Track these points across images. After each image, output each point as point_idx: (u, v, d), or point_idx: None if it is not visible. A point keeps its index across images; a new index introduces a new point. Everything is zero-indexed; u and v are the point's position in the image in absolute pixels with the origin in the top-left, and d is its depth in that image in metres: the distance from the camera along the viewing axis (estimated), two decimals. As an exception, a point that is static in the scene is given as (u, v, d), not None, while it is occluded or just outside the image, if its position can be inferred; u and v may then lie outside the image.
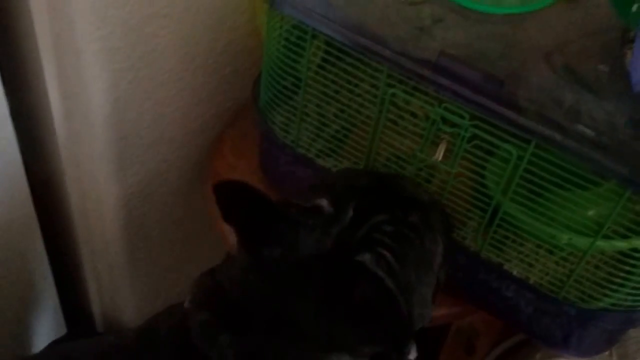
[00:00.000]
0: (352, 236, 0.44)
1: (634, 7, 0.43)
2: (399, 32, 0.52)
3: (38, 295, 0.77)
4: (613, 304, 0.53)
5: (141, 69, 0.62)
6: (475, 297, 0.60)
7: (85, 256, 0.79)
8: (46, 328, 0.81)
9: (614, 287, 0.52)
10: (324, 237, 0.44)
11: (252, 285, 0.46)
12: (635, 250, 0.51)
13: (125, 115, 0.63)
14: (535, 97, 0.48)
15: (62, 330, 0.83)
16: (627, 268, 0.51)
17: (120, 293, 0.79)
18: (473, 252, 0.57)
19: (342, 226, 0.45)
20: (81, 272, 0.82)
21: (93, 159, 0.66)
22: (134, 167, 0.67)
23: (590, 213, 0.53)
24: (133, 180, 0.68)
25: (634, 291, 0.52)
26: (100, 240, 0.74)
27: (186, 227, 0.80)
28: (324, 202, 0.45)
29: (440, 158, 0.54)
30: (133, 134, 0.65)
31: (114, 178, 0.67)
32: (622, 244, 0.51)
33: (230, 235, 0.56)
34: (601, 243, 0.51)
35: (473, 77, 0.49)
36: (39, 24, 0.60)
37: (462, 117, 0.50)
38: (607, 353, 0.68)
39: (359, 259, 0.43)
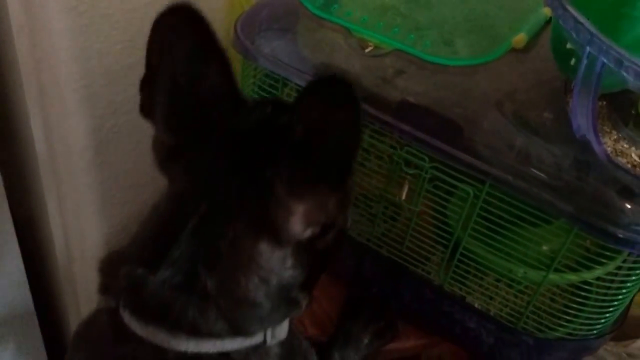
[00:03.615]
0: (274, 122, 0.42)
1: (572, 61, 0.47)
2: (363, 82, 0.56)
3: (21, 330, 0.78)
4: (569, 334, 0.57)
5: (122, 115, 0.65)
6: (440, 329, 0.63)
7: (66, 294, 0.80)
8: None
9: (569, 317, 0.55)
10: (245, 119, 0.42)
11: (175, 190, 0.42)
12: (586, 283, 0.55)
13: (106, 158, 0.66)
14: (488, 142, 0.52)
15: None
16: (580, 300, 0.54)
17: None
18: (437, 285, 0.60)
19: (263, 115, 0.43)
20: (63, 309, 0.83)
21: (75, 200, 0.68)
22: (116, 208, 0.70)
23: (544, 248, 0.56)
24: (114, 221, 0.70)
25: (587, 321, 0.55)
26: (82, 280, 0.76)
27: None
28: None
29: (403, 198, 0.58)
30: (114, 176, 0.68)
31: (96, 218, 0.69)
32: (573, 277, 0.55)
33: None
34: (554, 276, 0.55)
35: (431, 123, 0.53)
36: (25, 75, 0.63)
37: (422, 159, 0.54)
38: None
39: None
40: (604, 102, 0.53)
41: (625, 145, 0.49)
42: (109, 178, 0.67)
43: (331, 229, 0.41)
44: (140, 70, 0.66)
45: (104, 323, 0.42)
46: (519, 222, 0.53)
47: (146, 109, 0.43)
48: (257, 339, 0.41)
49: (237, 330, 0.40)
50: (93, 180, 0.66)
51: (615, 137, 0.50)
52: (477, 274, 0.58)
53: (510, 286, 0.59)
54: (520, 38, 0.57)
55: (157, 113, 0.43)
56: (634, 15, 0.41)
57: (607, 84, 0.47)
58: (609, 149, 0.49)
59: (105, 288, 0.43)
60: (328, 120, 0.34)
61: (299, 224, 0.39)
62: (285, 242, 0.40)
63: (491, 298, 0.59)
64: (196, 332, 0.39)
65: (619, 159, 0.48)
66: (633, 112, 0.51)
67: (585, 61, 0.41)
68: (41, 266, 0.80)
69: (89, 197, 0.68)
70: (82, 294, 0.79)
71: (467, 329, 0.59)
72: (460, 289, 0.60)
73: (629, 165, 0.48)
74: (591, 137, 0.47)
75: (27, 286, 0.74)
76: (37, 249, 0.78)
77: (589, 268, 0.54)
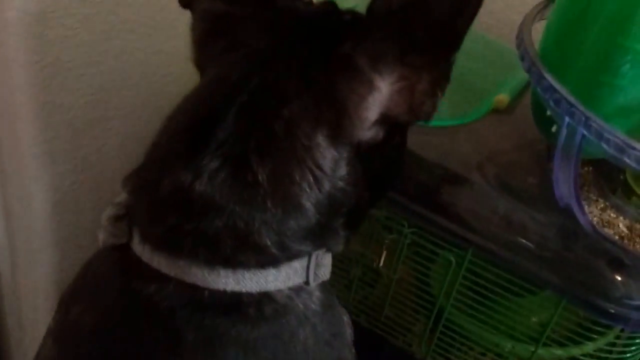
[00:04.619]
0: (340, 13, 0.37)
1: (554, 128, 0.45)
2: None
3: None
4: (561, 413, 0.52)
5: (84, 170, 0.61)
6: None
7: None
8: None
9: (561, 395, 0.52)
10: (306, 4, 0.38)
11: (216, 71, 0.35)
12: (574, 359, 0.51)
13: (65, 216, 0.62)
14: (470, 207, 0.49)
15: None
16: (572, 377, 0.51)
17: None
18: (419, 358, 0.56)
19: (326, 6, 0.37)
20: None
21: (29, 260, 0.64)
22: (73, 269, 0.65)
23: (533, 320, 0.53)
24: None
25: (580, 400, 0.52)
26: (34, 348, 0.70)
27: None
28: None
29: (381, 264, 0.54)
30: (73, 235, 0.63)
31: (51, 279, 0.64)
32: (560, 352, 0.51)
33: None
34: (543, 351, 0.51)
35: (410, 188, 0.51)
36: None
37: (401, 224, 0.51)
38: None
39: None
40: (590, 168, 0.51)
41: (612, 215, 0.47)
42: (67, 237, 0.63)
43: (398, 131, 0.35)
44: (104, 125, 0.63)
45: (111, 263, 0.36)
46: (505, 291, 0.50)
47: None
48: (299, 276, 0.35)
49: (281, 246, 0.34)
50: (50, 239, 0.62)
51: (602, 205, 0.48)
52: (462, 347, 0.55)
53: (497, 361, 0.55)
54: (501, 98, 0.55)
55: None
56: (615, 83, 0.39)
57: (591, 151, 0.45)
58: (595, 219, 0.46)
59: (118, 217, 0.36)
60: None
61: (374, 108, 0.33)
62: (344, 137, 0.33)
63: (477, 374, 0.55)
64: (238, 258, 0.33)
65: (606, 230, 0.45)
66: (621, 177, 0.49)
67: (564, 131, 0.39)
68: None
69: (44, 257, 0.63)
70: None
71: (451, 407, 0.55)
72: (444, 364, 0.56)
73: (617, 237, 0.45)
74: (575, 207, 0.45)
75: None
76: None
77: (580, 343, 0.51)
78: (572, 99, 0.39)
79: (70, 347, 0.36)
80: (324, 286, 0.38)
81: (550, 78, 0.40)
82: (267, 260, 0.34)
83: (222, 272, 0.33)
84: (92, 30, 0.57)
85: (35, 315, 0.67)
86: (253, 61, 0.34)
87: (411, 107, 0.33)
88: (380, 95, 0.32)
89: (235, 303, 0.33)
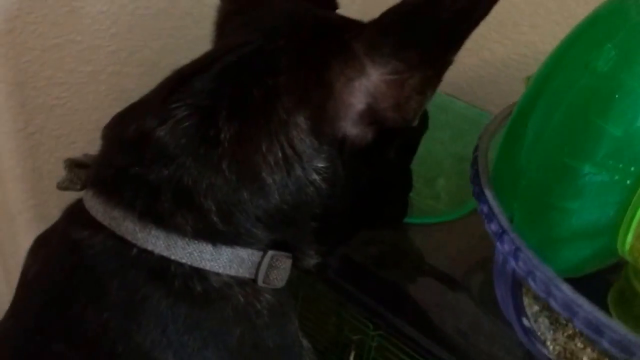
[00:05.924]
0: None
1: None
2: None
3: None
4: None
5: (72, 235, 0.62)
6: None
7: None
8: None
9: None
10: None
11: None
12: None
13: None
14: (436, 317, 0.43)
15: None
16: None
17: None
18: None
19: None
20: None
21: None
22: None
23: None
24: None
25: None
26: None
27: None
28: None
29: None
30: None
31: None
32: None
33: None
34: None
35: (375, 286, 0.46)
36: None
37: (366, 325, 0.46)
38: None
39: None
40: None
41: (579, 345, 0.38)
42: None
43: (388, 140, 0.34)
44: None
45: (63, 214, 0.36)
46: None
47: None
48: (245, 270, 0.32)
49: (225, 217, 0.31)
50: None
51: (570, 332, 0.39)
52: None
53: None
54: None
55: None
56: (566, 207, 0.32)
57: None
58: (557, 349, 0.37)
59: (78, 164, 0.36)
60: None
61: (360, 94, 0.32)
62: (327, 123, 0.32)
63: None
64: (174, 219, 0.31)
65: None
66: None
67: (500, 256, 0.33)
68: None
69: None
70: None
71: None
72: None
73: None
74: (521, 337, 0.38)
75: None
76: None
77: None
78: (505, 222, 0.32)
79: (19, 298, 0.35)
80: (279, 294, 0.34)
81: (489, 193, 0.33)
82: (205, 230, 0.31)
83: (154, 231, 0.31)
84: (83, 99, 0.58)
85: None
86: (257, 33, 0.34)
87: (398, 102, 0.32)
88: (368, 82, 0.31)
89: (162, 270, 0.31)
